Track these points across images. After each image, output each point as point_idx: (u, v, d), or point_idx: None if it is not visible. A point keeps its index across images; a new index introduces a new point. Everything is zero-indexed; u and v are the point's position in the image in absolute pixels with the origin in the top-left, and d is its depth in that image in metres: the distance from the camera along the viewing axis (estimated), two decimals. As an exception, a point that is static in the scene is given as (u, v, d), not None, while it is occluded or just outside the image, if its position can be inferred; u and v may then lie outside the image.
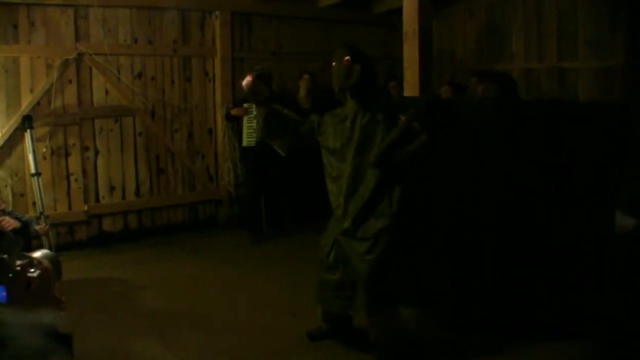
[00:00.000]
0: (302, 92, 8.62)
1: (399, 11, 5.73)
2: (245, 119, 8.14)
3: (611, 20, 7.79)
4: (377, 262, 4.33)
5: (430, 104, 4.49)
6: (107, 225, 8.10)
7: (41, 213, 7.00)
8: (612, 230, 5.53)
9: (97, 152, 7.94)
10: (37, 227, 6.33)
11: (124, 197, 8.22)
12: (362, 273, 4.37)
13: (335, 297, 4.60)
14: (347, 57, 4.42)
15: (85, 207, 7.83)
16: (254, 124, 8.03)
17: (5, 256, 3.74)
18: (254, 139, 8.04)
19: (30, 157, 7.08)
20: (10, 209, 6.52)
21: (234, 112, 8.16)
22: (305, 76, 8.65)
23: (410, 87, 5.54)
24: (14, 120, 7.25)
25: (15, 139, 7.32)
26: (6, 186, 7.26)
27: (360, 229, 4.41)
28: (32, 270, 4.00)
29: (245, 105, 8.03)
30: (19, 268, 3.82)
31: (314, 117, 4.78)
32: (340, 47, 4.56)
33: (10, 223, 5.73)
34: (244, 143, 8.17)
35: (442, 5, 10.12)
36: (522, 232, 4.91)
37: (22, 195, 7.41)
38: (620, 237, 6.02)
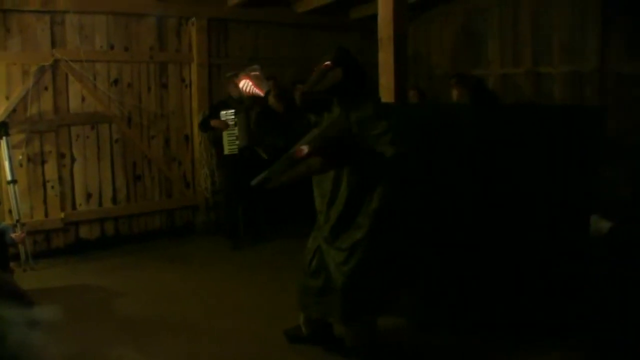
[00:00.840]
0: (271, 99, 8.62)
1: (375, 17, 5.75)
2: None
3: (584, 26, 7.89)
4: (353, 273, 4.32)
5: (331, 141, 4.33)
6: (84, 232, 8.06)
7: (17, 221, 6.96)
8: (587, 233, 5.58)
9: (73, 159, 7.90)
10: (13, 235, 6.30)
11: (100, 204, 8.18)
12: (337, 283, 4.38)
13: (315, 303, 4.60)
14: (327, 62, 4.40)
15: (62, 215, 7.78)
16: (235, 131, 8.02)
17: None
18: (235, 147, 8.02)
19: (6, 164, 7.05)
20: (-14, 216, 6.50)
21: (214, 124, 8.09)
22: (269, 82, 8.66)
23: (386, 92, 5.56)
24: (-10, 127, 7.20)
25: (-10, 146, 7.27)
26: (-18, 194, 7.21)
27: (338, 238, 4.41)
28: None
29: (223, 113, 8.01)
30: None
31: (312, 117, 4.77)
32: (332, 51, 4.54)
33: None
34: (226, 151, 8.10)
35: (419, 11, 10.18)
36: (497, 237, 4.95)
37: (-2, 202, 7.37)
38: (596, 240, 6.08)
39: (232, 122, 7.99)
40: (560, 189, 5.18)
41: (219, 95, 8.66)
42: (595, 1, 7.72)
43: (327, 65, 4.37)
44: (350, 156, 4.19)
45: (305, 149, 4.08)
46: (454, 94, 7.67)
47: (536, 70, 8.63)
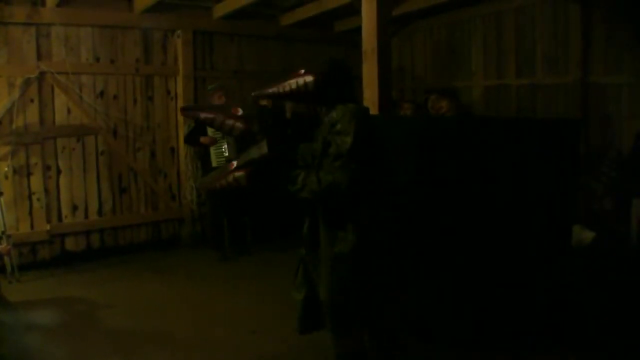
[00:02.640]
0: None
1: (360, 30, 5.79)
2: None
3: (566, 38, 7.98)
4: (336, 287, 4.22)
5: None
6: (70, 244, 8.05)
7: (3, 232, 6.96)
8: (569, 243, 5.64)
9: (59, 171, 7.90)
10: (-2, 247, 6.30)
11: (86, 217, 8.18)
12: (322, 296, 4.37)
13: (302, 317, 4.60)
14: (301, 70, 4.43)
15: (48, 227, 7.77)
16: (224, 143, 8.07)
17: None
18: (223, 159, 8.02)
19: (-8, 176, 7.06)
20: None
21: (203, 141, 8.08)
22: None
23: (370, 104, 5.59)
24: (-25, 140, 7.21)
25: (-24, 158, 7.27)
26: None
27: (321, 251, 4.41)
28: None
29: (210, 129, 8.01)
30: None
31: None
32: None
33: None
34: (214, 164, 8.09)
35: (403, 24, 10.27)
36: (481, 247, 4.99)
37: (-17, 215, 7.35)
38: (578, 250, 6.15)
39: (219, 135, 8.03)
40: (541, 200, 5.24)
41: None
42: (577, 14, 7.80)
43: (298, 73, 4.42)
44: (269, 179, 4.29)
45: (234, 163, 4.30)
46: (442, 105, 7.71)
47: (519, 82, 8.71)
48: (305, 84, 4.32)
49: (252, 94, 4.71)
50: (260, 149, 4.31)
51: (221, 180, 4.35)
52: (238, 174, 4.23)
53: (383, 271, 4.38)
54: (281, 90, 4.46)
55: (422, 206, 5.07)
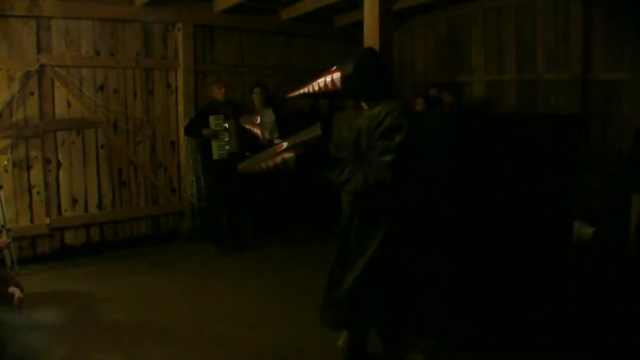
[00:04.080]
0: (257, 105, 8.66)
1: (360, 25, 5.78)
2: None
3: (567, 34, 7.97)
4: (354, 283, 4.29)
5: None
6: (70, 238, 8.05)
7: (3, 226, 6.97)
8: (570, 239, 5.65)
9: (59, 165, 7.90)
10: (-2, 241, 6.29)
11: (86, 210, 8.18)
12: (345, 285, 4.36)
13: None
14: (334, 67, 4.46)
15: (48, 220, 7.77)
16: (225, 137, 8.05)
17: None
18: (225, 152, 8.04)
19: (-8, 170, 7.05)
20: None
21: (206, 133, 8.07)
22: (257, 89, 8.71)
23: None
24: (-25, 133, 7.20)
25: (-24, 152, 7.27)
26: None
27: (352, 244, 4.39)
28: None
29: (212, 118, 8.05)
30: None
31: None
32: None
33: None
34: (215, 156, 8.10)
35: (404, 19, 10.25)
36: (483, 243, 4.99)
37: (-17, 208, 7.34)
38: (579, 246, 6.16)
39: (222, 128, 8.02)
40: (542, 196, 5.24)
41: (205, 101, 8.66)
42: (578, 10, 7.80)
43: (330, 70, 4.45)
44: (319, 164, 4.26)
45: (285, 144, 4.23)
46: (448, 99, 7.72)
47: (520, 78, 8.70)
48: (333, 80, 4.37)
49: (288, 95, 4.72)
50: (314, 131, 4.29)
51: (268, 161, 4.30)
52: (288, 155, 4.18)
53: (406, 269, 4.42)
54: (311, 89, 4.49)
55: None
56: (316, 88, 4.49)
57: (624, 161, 7.10)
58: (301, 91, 4.63)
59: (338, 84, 4.37)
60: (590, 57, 7.79)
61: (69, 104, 7.95)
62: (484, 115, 7.63)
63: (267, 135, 7.77)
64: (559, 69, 8.17)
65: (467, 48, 9.60)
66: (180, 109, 8.91)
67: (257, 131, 7.57)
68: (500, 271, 5.01)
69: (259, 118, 7.74)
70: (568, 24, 7.99)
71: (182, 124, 8.82)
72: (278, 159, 4.21)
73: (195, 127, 8.17)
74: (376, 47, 5.48)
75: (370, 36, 5.56)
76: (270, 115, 7.97)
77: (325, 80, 4.44)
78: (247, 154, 7.69)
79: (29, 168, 7.64)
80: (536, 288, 5.21)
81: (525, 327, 5.06)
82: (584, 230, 6.60)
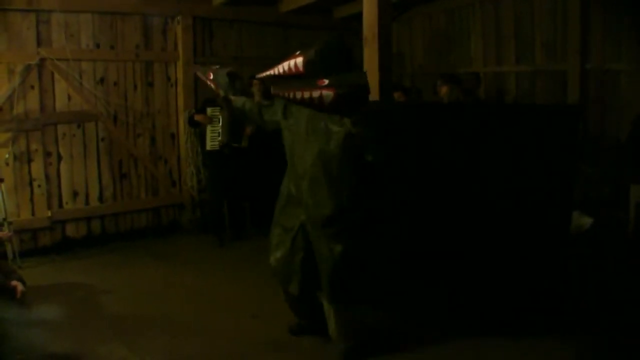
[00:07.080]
0: (257, 97, 8.65)
1: (359, 16, 5.79)
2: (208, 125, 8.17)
3: (566, 24, 7.97)
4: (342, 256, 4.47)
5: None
6: (71, 231, 8.09)
7: (4, 219, 7.00)
8: (568, 229, 5.67)
9: (60, 158, 7.92)
10: (0, 234, 6.31)
11: (87, 203, 8.21)
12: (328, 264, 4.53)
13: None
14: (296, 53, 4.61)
15: (49, 213, 7.80)
16: (218, 128, 8.07)
17: None
18: (217, 143, 8.07)
19: (-7, 163, 7.07)
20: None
21: (198, 118, 8.16)
22: (255, 82, 8.69)
23: (371, 91, 5.59)
24: (-24, 127, 7.22)
25: (-23, 145, 7.30)
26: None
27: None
28: None
29: (209, 110, 8.08)
30: None
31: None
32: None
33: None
34: (208, 147, 8.17)
35: (402, 10, 10.25)
36: (479, 232, 5.02)
37: (-16, 201, 7.37)
38: (577, 236, 6.17)
39: (216, 119, 8.06)
40: (540, 187, 5.26)
41: (205, 93, 8.65)
42: (576, 0, 7.80)
43: (295, 55, 4.56)
44: (354, 109, 4.30)
45: (326, 81, 4.16)
46: (443, 90, 7.72)
47: (518, 69, 8.71)
48: (296, 64, 4.52)
49: (257, 76, 4.85)
50: (360, 78, 4.28)
51: (304, 92, 4.21)
52: (327, 92, 4.10)
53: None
54: (276, 72, 4.70)
55: (424, 193, 5.10)
56: (280, 71, 4.63)
57: (622, 151, 7.11)
58: (267, 73, 4.85)
59: (300, 67, 4.45)
60: (588, 48, 7.79)
61: (69, 97, 7.96)
62: (480, 105, 7.64)
63: (222, 93, 7.81)
64: (557, 60, 8.17)
65: (465, 39, 9.60)
66: (180, 101, 8.92)
67: (212, 85, 7.61)
68: (497, 262, 5.04)
69: (212, 74, 7.75)
70: (566, 14, 7.98)
71: (181, 116, 8.85)
72: (315, 93, 4.13)
73: (194, 118, 8.27)
74: (375, 38, 5.50)
75: (369, 27, 5.57)
76: (224, 77, 7.93)
77: (289, 64, 4.55)
78: (233, 144, 7.77)
79: (29, 161, 7.66)
80: (534, 279, 5.23)
81: (524, 315, 5.09)
82: (583, 220, 6.61)
